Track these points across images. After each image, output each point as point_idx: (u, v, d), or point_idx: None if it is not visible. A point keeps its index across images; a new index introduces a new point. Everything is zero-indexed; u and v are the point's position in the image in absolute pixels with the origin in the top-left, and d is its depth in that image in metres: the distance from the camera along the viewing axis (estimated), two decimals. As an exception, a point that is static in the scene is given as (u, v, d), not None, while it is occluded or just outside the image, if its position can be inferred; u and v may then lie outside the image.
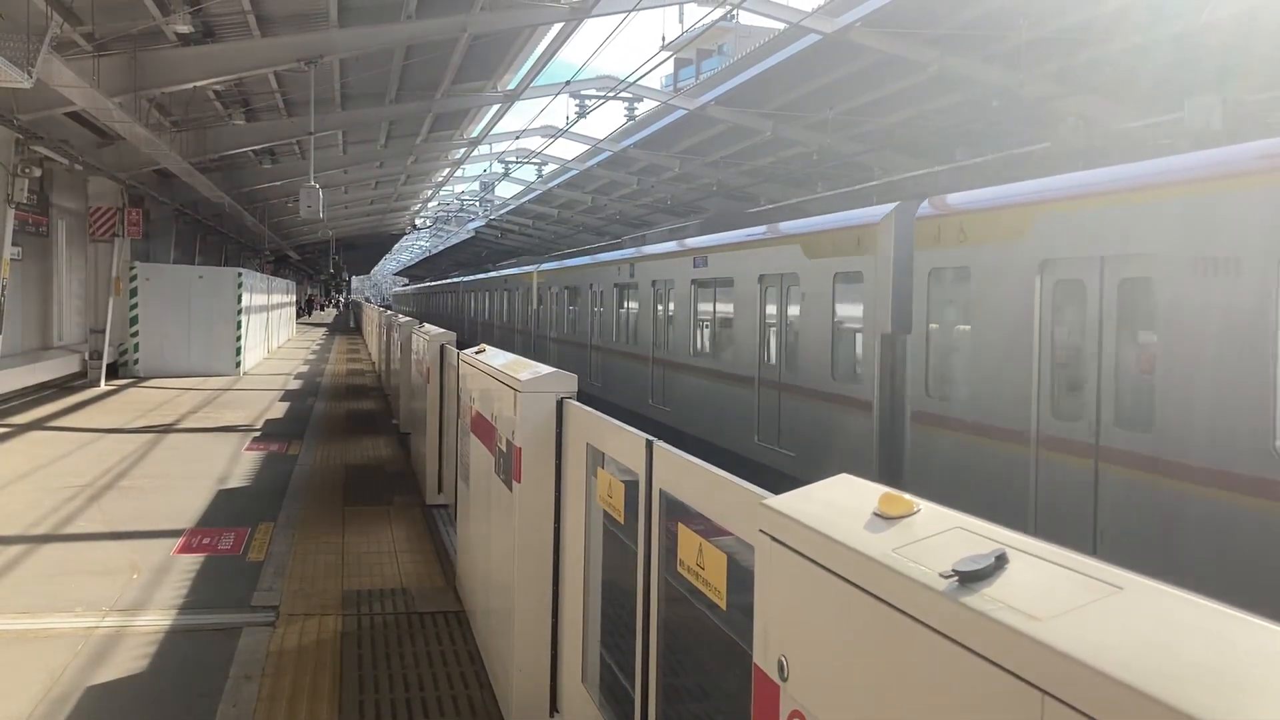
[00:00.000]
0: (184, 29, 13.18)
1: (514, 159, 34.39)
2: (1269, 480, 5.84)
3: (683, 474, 2.84)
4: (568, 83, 21.98)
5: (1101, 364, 7.11)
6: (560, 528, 4.22)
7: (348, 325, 59.24)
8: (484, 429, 5.34)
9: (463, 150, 30.55)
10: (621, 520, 3.43)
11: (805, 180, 24.59)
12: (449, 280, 55.93)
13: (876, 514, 1.84)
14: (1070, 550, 1.54)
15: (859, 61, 16.42)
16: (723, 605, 2.51)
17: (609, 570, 3.83)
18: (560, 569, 4.24)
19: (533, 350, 24.96)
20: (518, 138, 30.14)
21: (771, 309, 12.28)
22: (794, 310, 11.66)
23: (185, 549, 7.66)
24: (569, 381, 4.31)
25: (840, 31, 14.94)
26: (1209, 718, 1.05)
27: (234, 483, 10.34)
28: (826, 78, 17.68)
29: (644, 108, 23.46)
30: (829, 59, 16.70)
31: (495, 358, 5.40)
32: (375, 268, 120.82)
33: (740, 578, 2.41)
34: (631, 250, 19.01)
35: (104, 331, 19.64)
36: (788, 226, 12.28)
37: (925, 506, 1.84)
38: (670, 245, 16.54)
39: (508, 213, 47.51)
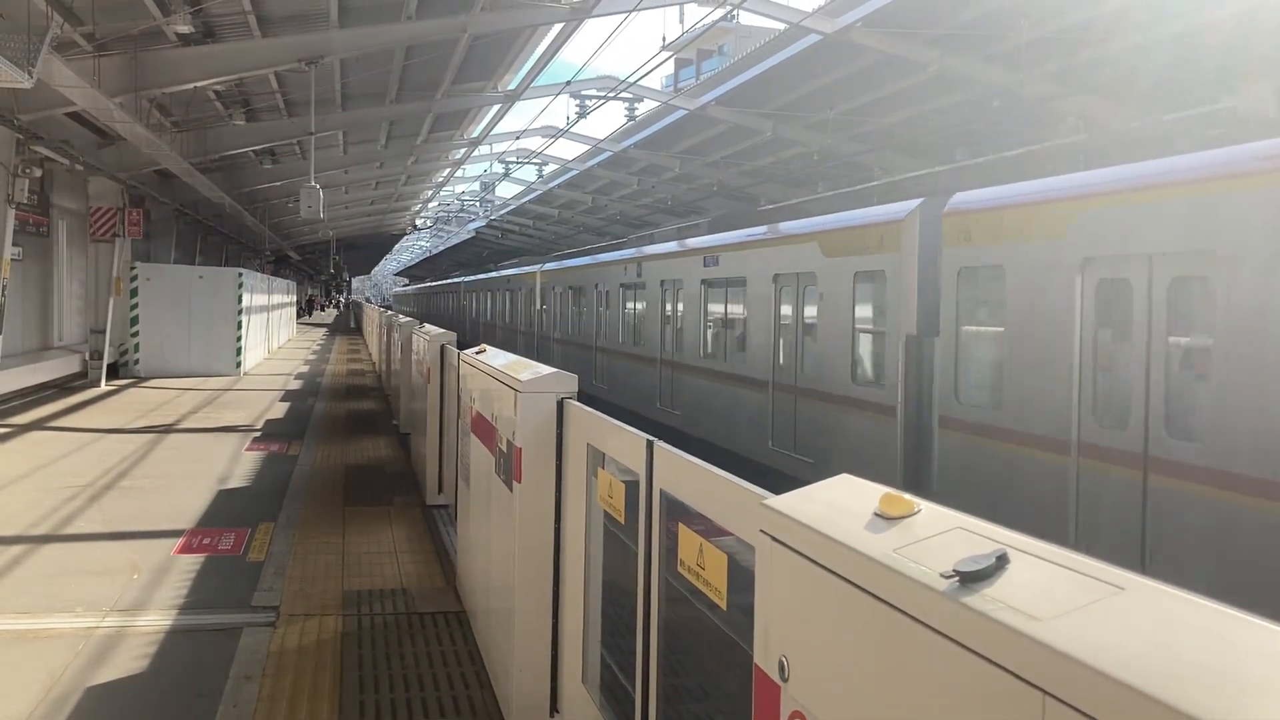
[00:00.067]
0: (184, 29, 13.18)
1: (514, 159, 34.38)
2: None
3: (683, 474, 2.84)
4: (568, 83, 21.98)
5: (1150, 368, 6.70)
6: (561, 528, 4.22)
7: (348, 325, 59.25)
8: (484, 429, 5.34)
9: (463, 150, 30.55)
10: (622, 520, 3.43)
11: (806, 180, 24.58)
12: (450, 280, 55.79)
13: (877, 514, 1.84)
14: (1070, 551, 1.54)
15: (859, 62, 16.41)
16: (723, 605, 2.51)
17: (609, 570, 3.83)
18: (561, 569, 4.24)
19: (536, 352, 24.68)
20: (518, 138, 30.14)
21: (787, 309, 11.91)
22: (811, 311, 11.29)
23: (185, 549, 7.66)
24: (569, 382, 4.31)
25: (840, 32, 14.93)
26: (1209, 718, 1.05)
27: (234, 483, 10.34)
28: (827, 78, 17.68)
29: (644, 108, 23.46)
30: (829, 59, 16.70)
31: (495, 358, 5.40)
32: (376, 268, 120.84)
33: (741, 578, 2.41)
34: (639, 249, 18.68)
35: (104, 332, 19.64)
36: (804, 224, 11.90)
37: (926, 507, 1.84)
38: (679, 244, 16.22)
39: (508, 213, 47.50)
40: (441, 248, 74.03)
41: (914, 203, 9.48)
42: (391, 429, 14.57)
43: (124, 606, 6.23)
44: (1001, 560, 1.50)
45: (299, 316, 57.52)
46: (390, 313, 25.54)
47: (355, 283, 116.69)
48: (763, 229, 13.15)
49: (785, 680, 1.95)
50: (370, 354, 30.67)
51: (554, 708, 4.29)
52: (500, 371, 4.84)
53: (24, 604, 6.23)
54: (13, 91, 11.82)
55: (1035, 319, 7.72)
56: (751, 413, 12.57)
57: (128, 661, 5.34)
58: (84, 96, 12.95)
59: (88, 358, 19.78)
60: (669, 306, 15.93)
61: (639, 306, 17.55)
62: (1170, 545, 6.47)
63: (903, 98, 17.83)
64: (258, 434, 13.86)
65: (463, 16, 14.61)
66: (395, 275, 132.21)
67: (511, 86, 21.12)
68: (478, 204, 50.58)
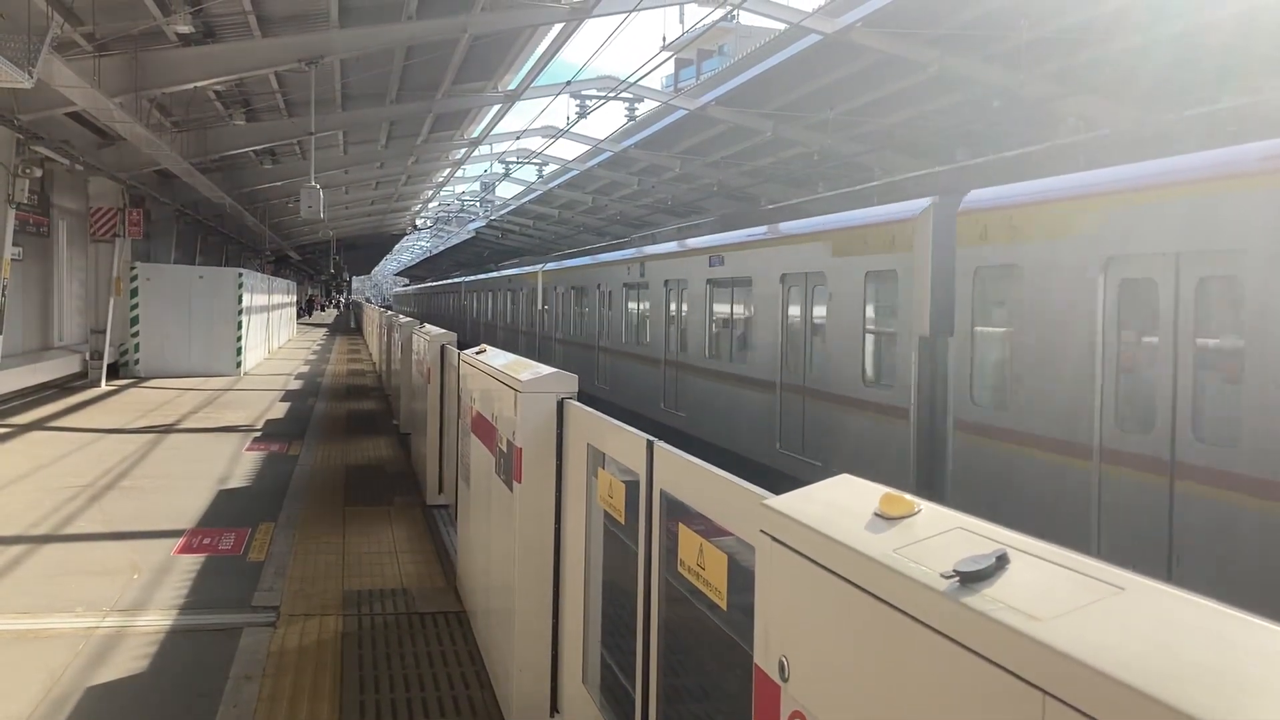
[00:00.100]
0: (185, 29, 13.18)
1: (514, 159, 34.38)
2: None
3: (683, 474, 2.84)
4: (568, 83, 21.98)
5: (1178, 371, 6.47)
6: (561, 528, 4.22)
7: (348, 326, 59.26)
8: (484, 429, 5.34)
9: (463, 150, 30.56)
10: (622, 520, 3.43)
11: (806, 180, 24.58)
12: (450, 280, 55.71)
13: (877, 514, 1.84)
14: (1071, 550, 1.54)
15: (859, 62, 16.41)
16: (723, 605, 2.51)
17: (609, 570, 3.83)
18: (561, 569, 4.25)
19: (538, 352, 24.50)
20: (518, 138, 30.14)
21: (795, 310, 11.71)
22: (820, 311, 11.09)
23: (186, 549, 7.66)
24: (569, 382, 4.31)
25: (841, 32, 14.93)
26: (1209, 718, 1.06)
27: (234, 483, 10.34)
28: (827, 78, 17.68)
29: (644, 108, 23.45)
30: (829, 59, 16.70)
31: (496, 358, 5.40)
32: (376, 268, 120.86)
33: (741, 578, 2.41)
34: (642, 249, 18.50)
35: (104, 332, 19.65)
36: (813, 223, 11.69)
37: (926, 507, 1.84)
38: (684, 243, 16.04)
39: (508, 213, 47.50)
40: (442, 248, 74.05)
41: (927, 201, 9.29)
42: (392, 429, 14.57)
43: (124, 606, 6.24)
44: (1001, 560, 1.50)
45: (299, 317, 57.53)
46: (390, 313, 25.52)
47: (355, 283, 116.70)
48: (770, 228, 12.98)
49: (785, 680, 1.95)
50: (370, 354, 30.68)
51: (554, 708, 4.29)
52: (500, 371, 4.84)
53: (24, 604, 6.23)
54: (13, 91, 11.83)
55: (1055, 319, 7.51)
56: (758, 414, 12.40)
57: (128, 661, 5.34)
58: (84, 96, 12.96)
59: (88, 358, 19.79)
60: (673, 307, 15.76)
61: (643, 307, 17.37)
62: (1198, 553, 6.26)
63: (903, 98, 17.83)
64: (258, 434, 13.86)
65: (463, 16, 14.62)
66: (395, 275, 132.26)
67: (511, 87, 21.12)
68: (478, 204, 50.59)
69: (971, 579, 1.47)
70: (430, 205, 51.21)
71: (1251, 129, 8.39)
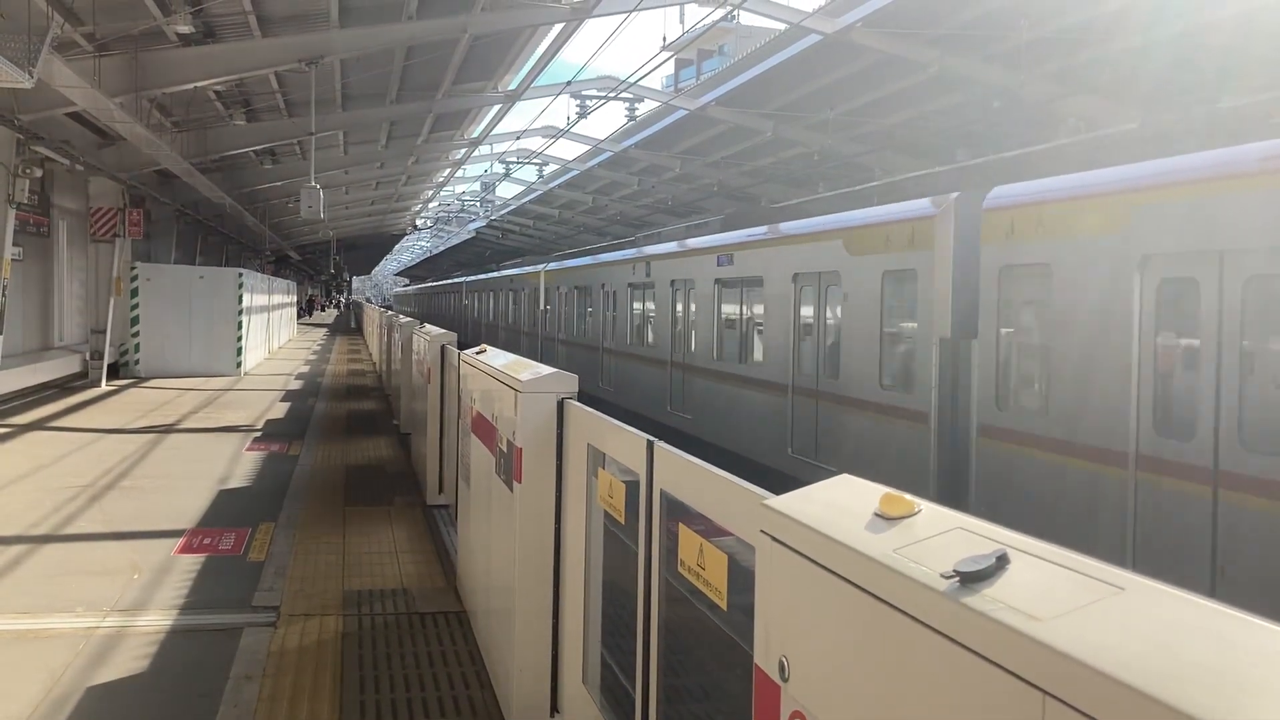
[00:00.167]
0: (185, 29, 13.19)
1: (515, 159, 34.40)
2: None
3: (683, 474, 2.84)
4: (569, 83, 21.99)
5: (1222, 375, 6.14)
6: (561, 528, 4.23)
7: (348, 326, 59.27)
8: (485, 429, 5.34)
9: (463, 151, 30.56)
10: (622, 520, 3.43)
11: (806, 181, 24.60)
12: (451, 280, 55.56)
13: (877, 514, 1.84)
14: (1071, 550, 1.54)
15: (859, 62, 16.42)
16: (723, 605, 2.51)
17: (610, 570, 3.83)
18: (561, 569, 4.25)
19: (540, 353, 24.25)
20: (518, 138, 30.16)
21: (808, 310, 11.37)
22: (834, 312, 10.77)
23: (186, 549, 7.66)
24: (570, 382, 4.31)
25: (841, 32, 14.94)
26: (1209, 718, 1.06)
27: (235, 483, 10.34)
28: (827, 78, 17.69)
29: (645, 108, 23.47)
30: (829, 59, 16.71)
31: (496, 358, 5.40)
32: (376, 268, 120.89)
33: (741, 578, 2.41)
34: (648, 248, 18.17)
35: (105, 332, 19.65)
36: (827, 221, 11.31)
37: (926, 507, 1.84)
38: (690, 242, 15.76)
39: (509, 213, 47.53)
40: (442, 248, 74.07)
41: (949, 197, 8.97)
42: (392, 429, 14.57)
43: (124, 606, 6.24)
44: (1001, 560, 1.50)
45: (299, 317, 57.54)
46: (391, 313, 25.48)
47: (355, 283, 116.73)
48: (781, 226, 12.65)
49: (785, 680, 1.95)
50: (370, 354, 30.68)
51: (554, 708, 4.29)
52: (500, 371, 4.84)
53: (24, 604, 6.23)
54: (13, 91, 11.83)
55: (1087, 320, 7.18)
56: (769, 418, 12.08)
57: (128, 661, 5.34)
58: (84, 97, 12.96)
59: (88, 358, 19.79)
60: (679, 307, 15.49)
61: (648, 307, 17.09)
62: (1244, 566, 5.96)
63: (903, 98, 17.84)
64: (258, 434, 13.86)
65: (463, 16, 14.62)
66: (395, 275, 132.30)
67: (512, 87, 21.13)
68: (478, 204, 50.63)
69: (971, 579, 1.47)
70: (430, 205, 51.24)
71: (1251, 129, 8.34)
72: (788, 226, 12.42)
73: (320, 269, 73.37)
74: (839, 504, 1.97)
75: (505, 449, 4.66)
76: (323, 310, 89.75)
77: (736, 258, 13.35)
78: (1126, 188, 6.93)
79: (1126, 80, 13.93)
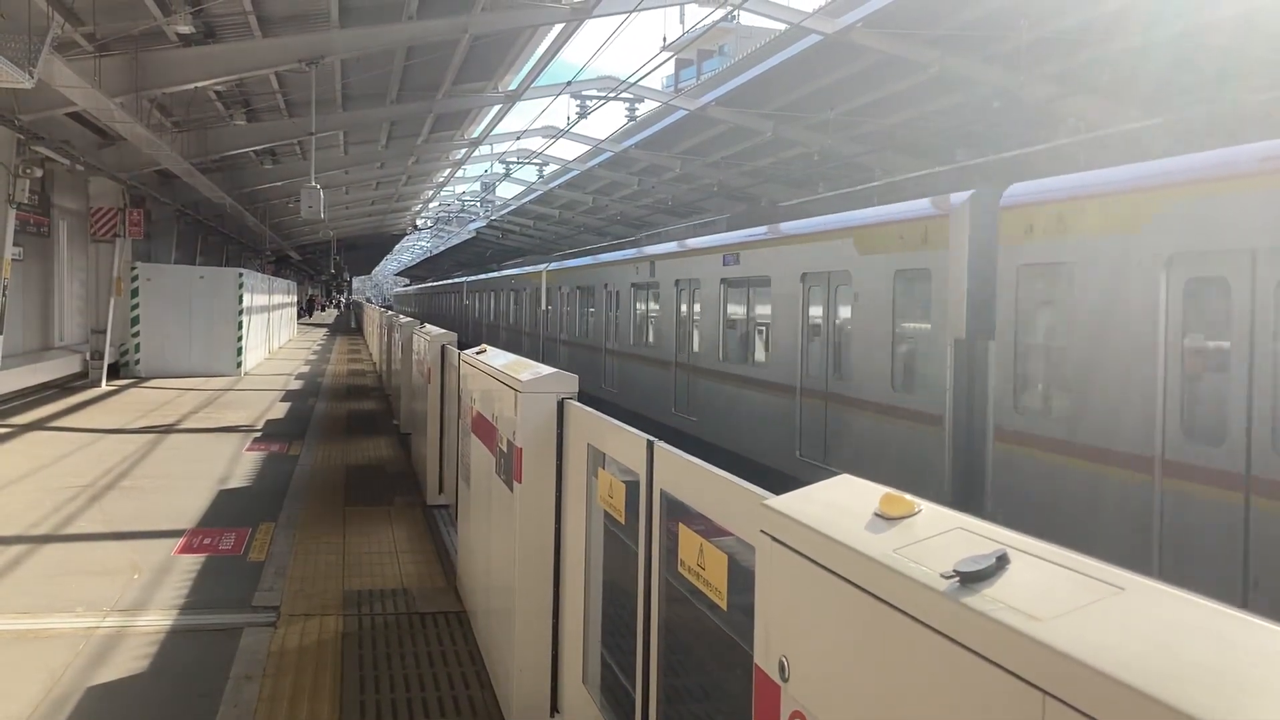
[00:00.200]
0: (185, 29, 13.19)
1: (515, 159, 34.41)
2: None
3: (683, 474, 2.84)
4: (569, 83, 21.99)
5: (1254, 377, 5.94)
6: (561, 528, 4.23)
7: (349, 326, 59.28)
8: (485, 429, 5.35)
9: (464, 151, 30.57)
10: (622, 520, 3.43)
11: (806, 181, 24.60)
12: (452, 280, 55.47)
13: (877, 514, 1.84)
14: (1071, 550, 1.54)
15: (860, 62, 16.42)
16: (723, 605, 2.51)
17: (610, 570, 3.83)
18: (561, 569, 4.25)
19: (542, 354, 24.07)
20: (519, 138, 30.16)
21: (816, 310, 11.17)
22: (844, 312, 10.58)
23: (186, 549, 7.66)
24: (570, 382, 4.31)
25: (841, 32, 14.94)
26: (1209, 718, 1.06)
27: (235, 483, 10.34)
28: (827, 78, 17.69)
29: (645, 108, 23.47)
30: (830, 60, 16.71)
31: (496, 358, 5.40)
32: (376, 268, 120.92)
33: (741, 578, 2.41)
34: (652, 247, 17.96)
35: (105, 332, 19.65)
36: (836, 219, 11.11)
37: (926, 507, 1.84)
38: (696, 241, 15.53)
39: (509, 213, 47.55)
40: (442, 248, 74.08)
41: (964, 194, 8.79)
42: (392, 429, 14.57)
43: (124, 606, 6.24)
44: (1001, 560, 1.50)
45: (299, 317, 57.55)
46: (391, 313, 25.44)
47: (356, 283, 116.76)
48: (789, 225, 12.46)
49: (785, 680, 1.95)
50: (371, 354, 30.68)
51: (554, 708, 4.29)
52: (500, 372, 4.84)
53: (24, 604, 6.23)
54: (13, 91, 11.83)
55: (1110, 321, 6.97)
56: (776, 420, 11.90)
57: (128, 661, 5.34)
58: (85, 97, 12.96)
59: (88, 358, 19.79)
60: (685, 307, 15.30)
61: (652, 307, 16.90)
62: (1279, 577, 5.80)
63: (903, 98, 17.84)
64: (258, 434, 13.86)
65: (463, 17, 14.63)
66: (396, 275, 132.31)
67: (512, 87, 21.14)
68: (478, 204, 50.64)
69: (971, 579, 1.47)
70: (430, 205, 51.25)
71: (1251, 129, 8.32)
72: (796, 225, 12.20)
73: (320, 269, 73.38)
74: (839, 504, 1.97)
75: (505, 449, 4.66)
76: (323, 310, 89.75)
77: (743, 257, 13.20)
78: (1152, 184, 6.73)
79: (1126, 81, 13.93)
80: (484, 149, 31.51)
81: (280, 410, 16.79)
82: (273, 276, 36.76)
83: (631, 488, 3.28)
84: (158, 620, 6.01)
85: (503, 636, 4.80)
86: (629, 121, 23.69)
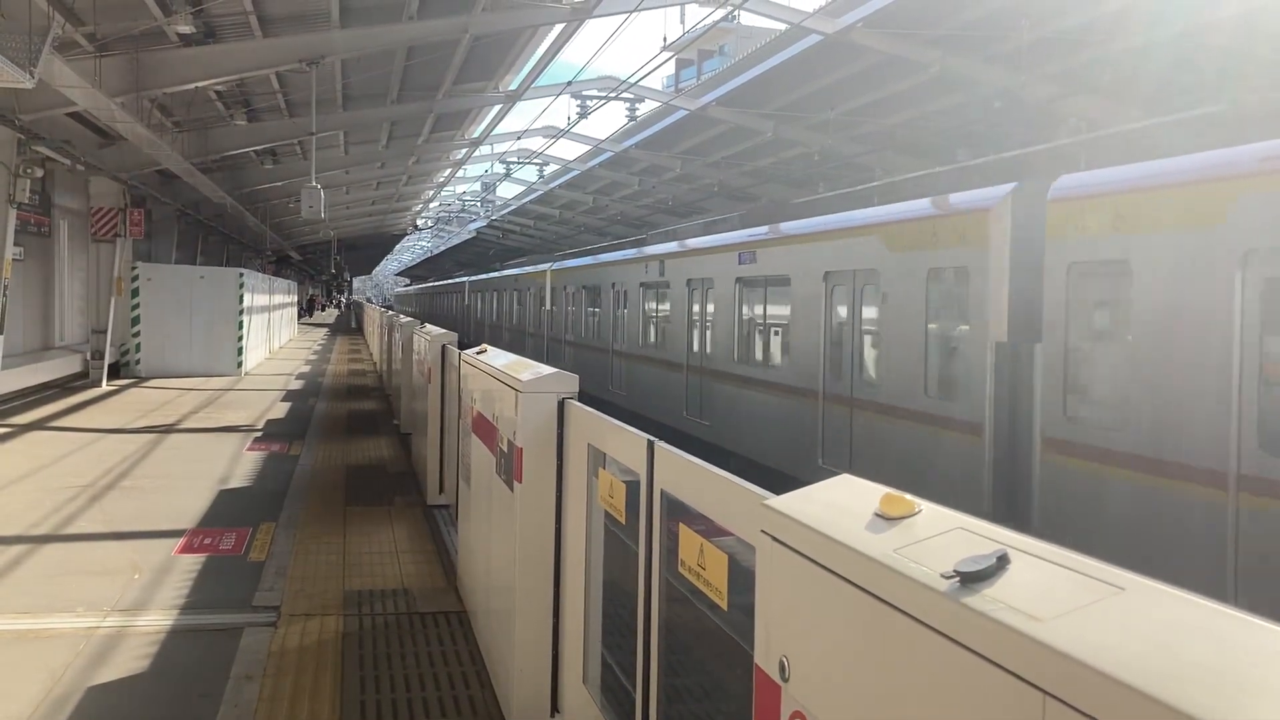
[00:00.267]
0: (186, 29, 13.19)
1: (515, 159, 34.42)
2: None
3: (684, 474, 2.85)
4: (569, 83, 22.00)
5: None
6: (561, 528, 4.23)
7: (349, 326, 59.28)
8: (485, 429, 5.35)
9: (464, 151, 30.58)
10: (623, 520, 3.43)
11: (806, 181, 24.61)
12: (453, 280, 55.29)
13: (878, 514, 1.84)
14: (1071, 550, 1.54)
15: (860, 62, 16.43)
16: (724, 605, 2.51)
17: (610, 570, 3.83)
18: (561, 569, 4.25)
19: (546, 355, 23.67)
20: (519, 138, 30.18)
21: (841, 311, 10.65)
22: (872, 313, 10.05)
23: (186, 549, 7.66)
24: (570, 382, 4.31)
25: (841, 32, 14.95)
26: (1209, 718, 1.06)
27: (235, 483, 10.34)
28: (828, 78, 17.70)
29: (645, 108, 23.49)
30: (830, 60, 16.72)
31: (496, 358, 5.40)
32: (377, 268, 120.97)
33: (741, 578, 2.41)
34: (661, 245, 17.22)
35: (105, 332, 19.66)
36: (863, 215, 10.59)
37: (926, 507, 1.84)
38: (709, 239, 14.94)
39: (509, 213, 47.57)
40: (443, 248, 74.11)
41: (1006, 188, 8.27)
42: (392, 429, 14.57)
43: (125, 606, 6.24)
44: (1002, 560, 1.50)
45: (300, 317, 57.57)
46: (391, 313, 25.39)
47: (356, 283, 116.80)
48: (810, 221, 11.88)
49: (786, 680, 1.95)
50: (371, 354, 30.68)
51: (554, 708, 4.29)
52: (501, 371, 4.85)
53: (25, 604, 6.23)
54: (14, 91, 11.84)
55: (1177, 323, 6.47)
56: (796, 426, 11.38)
57: (129, 661, 5.35)
58: (85, 97, 12.97)
59: (89, 358, 19.80)
60: (697, 308, 14.67)
61: (662, 307, 16.35)
62: None
63: (904, 98, 17.85)
64: (259, 434, 13.86)
65: (464, 17, 14.63)
66: (396, 275, 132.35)
67: (512, 87, 21.14)
68: (479, 204, 50.66)
69: (972, 579, 1.47)
70: (431, 205, 51.27)
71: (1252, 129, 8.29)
72: (818, 221, 11.64)
73: (321, 269, 73.37)
74: (839, 504, 1.97)
75: (506, 449, 4.66)
76: (323, 310, 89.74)
77: (760, 255, 12.67)
78: (1225, 174, 6.17)
79: (1127, 80, 13.93)
80: (484, 149, 31.53)
81: (281, 410, 16.79)
82: (273, 276, 36.76)
83: (632, 488, 3.28)
84: (158, 620, 6.01)
85: (503, 636, 4.81)
86: (629, 121, 23.70)
